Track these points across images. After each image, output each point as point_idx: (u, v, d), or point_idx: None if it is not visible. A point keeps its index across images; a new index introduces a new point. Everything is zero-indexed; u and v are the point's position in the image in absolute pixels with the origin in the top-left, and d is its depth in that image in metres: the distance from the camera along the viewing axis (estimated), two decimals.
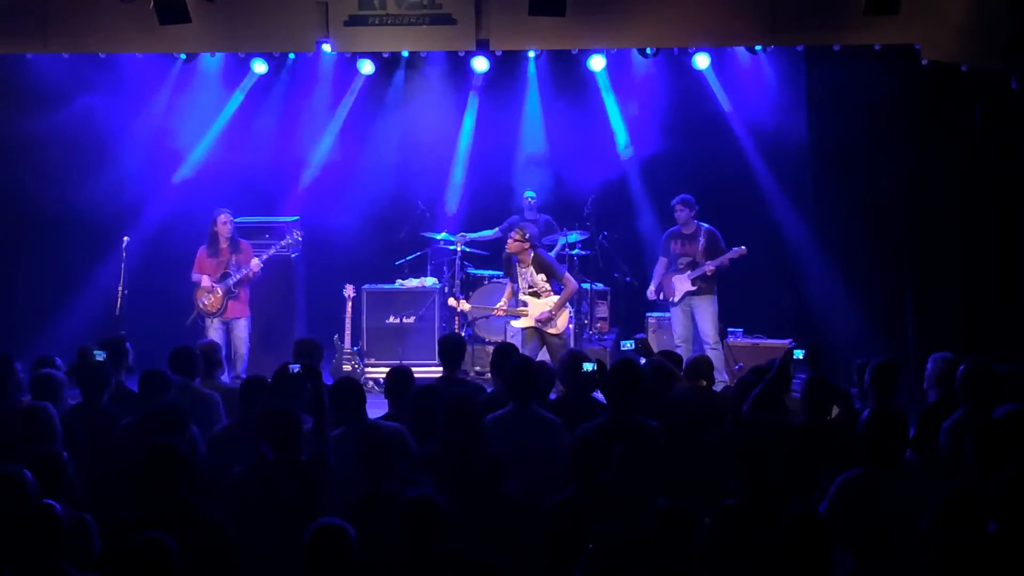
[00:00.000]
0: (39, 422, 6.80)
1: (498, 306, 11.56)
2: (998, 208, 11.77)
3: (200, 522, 5.65)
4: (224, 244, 11.86)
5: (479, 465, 6.21)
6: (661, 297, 11.99)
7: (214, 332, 11.73)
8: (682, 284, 11.77)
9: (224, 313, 11.81)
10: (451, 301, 11.92)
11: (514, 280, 11.25)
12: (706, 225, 11.86)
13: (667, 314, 12.58)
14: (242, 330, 11.88)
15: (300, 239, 12.32)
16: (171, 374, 7.96)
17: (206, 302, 11.80)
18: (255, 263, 11.79)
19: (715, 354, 11.57)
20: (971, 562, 5.17)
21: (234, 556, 5.73)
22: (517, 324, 11.38)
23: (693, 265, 11.77)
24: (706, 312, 11.74)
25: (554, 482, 6.25)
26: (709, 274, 11.71)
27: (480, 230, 13.12)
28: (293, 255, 12.77)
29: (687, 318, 11.84)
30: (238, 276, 11.77)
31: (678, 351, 11.16)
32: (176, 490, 5.74)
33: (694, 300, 11.78)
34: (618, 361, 7.44)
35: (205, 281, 11.77)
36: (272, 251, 12.08)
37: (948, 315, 11.92)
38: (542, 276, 11.07)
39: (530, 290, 11.12)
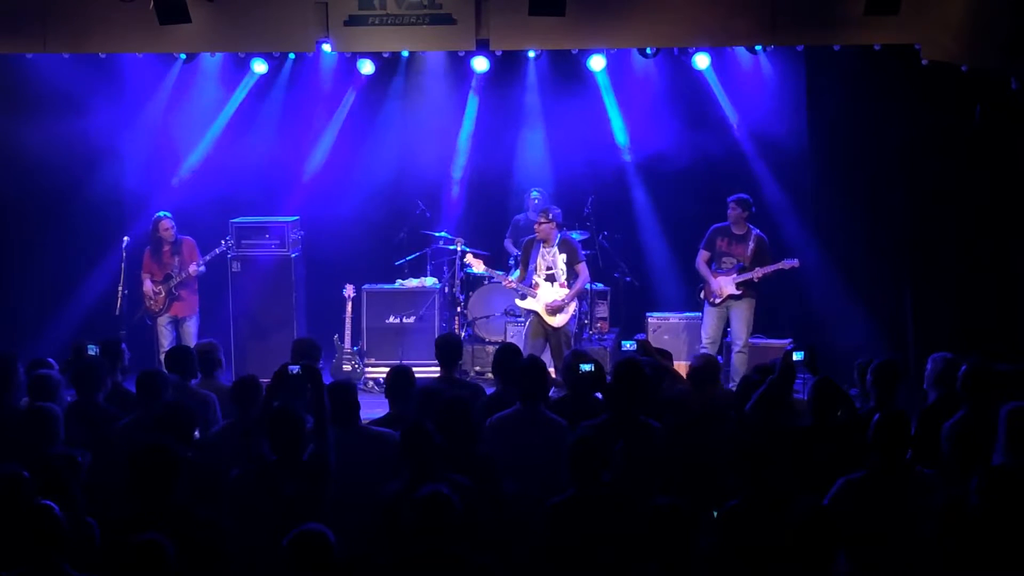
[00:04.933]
0: (45, 423, 6.81)
1: (509, 278, 11.53)
2: (998, 208, 11.76)
3: (192, 522, 5.64)
4: (166, 247, 12.12)
5: (474, 468, 6.18)
6: (701, 296, 11.80)
7: (163, 328, 12.10)
8: (727, 287, 11.56)
9: (168, 311, 12.10)
10: (468, 257, 12.05)
11: (531, 262, 11.23)
12: (757, 230, 11.68)
13: (668, 315, 12.61)
14: (191, 326, 12.14)
15: (230, 247, 12.42)
16: (168, 374, 7.96)
17: (151, 302, 12.06)
18: (193, 268, 12.08)
19: (742, 357, 11.57)
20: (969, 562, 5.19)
21: (226, 556, 5.72)
22: (522, 304, 11.37)
23: (740, 269, 11.57)
24: (743, 316, 11.59)
25: (560, 483, 6.23)
26: (756, 280, 11.57)
27: (480, 241, 13.09)
28: (293, 255, 12.77)
29: (722, 320, 11.66)
30: (177, 279, 12.01)
31: (703, 351, 11.16)
32: (171, 491, 5.73)
33: (734, 303, 11.62)
34: (622, 361, 7.44)
35: (147, 284, 12.09)
36: (213, 255, 12.25)
37: (948, 315, 11.92)
38: (563, 257, 11.09)
39: (548, 271, 11.15)
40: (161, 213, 12.18)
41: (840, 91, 12.19)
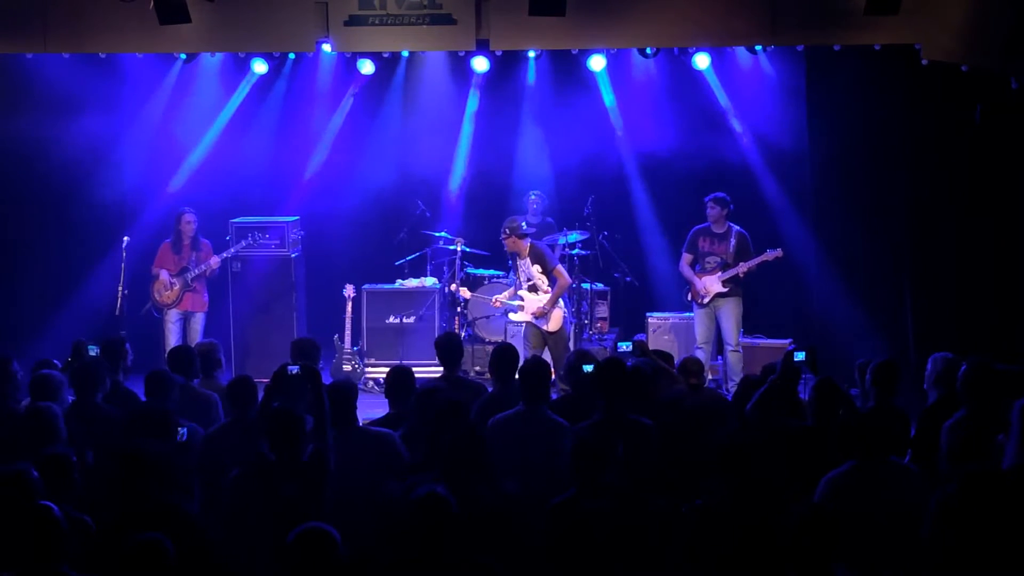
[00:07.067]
0: (44, 423, 6.81)
1: (496, 297, 11.59)
2: (998, 208, 11.77)
3: (178, 521, 5.64)
4: (186, 242, 12.18)
5: (472, 468, 6.17)
6: (689, 298, 11.89)
7: (172, 324, 12.10)
8: (712, 286, 11.63)
9: (180, 304, 12.12)
10: (453, 286, 12.04)
11: (516, 274, 11.30)
12: (737, 227, 11.76)
13: (668, 315, 12.62)
14: (198, 323, 12.17)
15: (256, 241, 12.47)
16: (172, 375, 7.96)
17: (164, 294, 12.12)
18: (214, 260, 12.17)
19: (736, 356, 11.61)
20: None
21: (213, 554, 5.73)
22: (514, 317, 11.42)
23: (723, 266, 11.65)
24: (731, 314, 11.65)
25: (561, 484, 6.23)
26: (742, 276, 11.63)
27: (480, 241, 13.08)
28: (293, 255, 12.78)
29: (711, 320, 11.73)
30: (196, 271, 12.08)
31: (698, 352, 11.18)
32: (150, 492, 5.75)
33: (721, 302, 11.68)
34: (605, 360, 7.44)
35: (163, 275, 12.10)
36: (232, 250, 12.34)
37: (948, 315, 11.92)
38: (537, 267, 11.08)
39: (528, 283, 11.15)
40: (184, 208, 12.24)
41: (840, 91, 12.19)
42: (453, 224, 13.43)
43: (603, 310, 13.09)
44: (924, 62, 10.47)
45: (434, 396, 7.15)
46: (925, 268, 12.16)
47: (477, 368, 12.53)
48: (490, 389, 8.15)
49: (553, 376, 8.20)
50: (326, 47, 11.03)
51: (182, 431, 6.96)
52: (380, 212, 13.60)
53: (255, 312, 12.65)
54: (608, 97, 13.19)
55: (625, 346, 8.57)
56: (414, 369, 8.09)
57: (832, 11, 10.39)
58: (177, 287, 12.09)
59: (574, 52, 11.86)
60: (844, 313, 12.36)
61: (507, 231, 11.05)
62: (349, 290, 12.39)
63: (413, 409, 7.26)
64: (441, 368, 8.43)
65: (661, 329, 12.53)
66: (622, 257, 13.15)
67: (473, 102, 13.50)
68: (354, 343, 12.39)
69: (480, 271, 12.98)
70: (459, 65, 12.81)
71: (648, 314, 12.77)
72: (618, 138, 13.38)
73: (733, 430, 7.16)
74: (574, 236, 12.75)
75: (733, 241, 11.69)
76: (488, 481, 6.15)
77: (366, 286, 12.81)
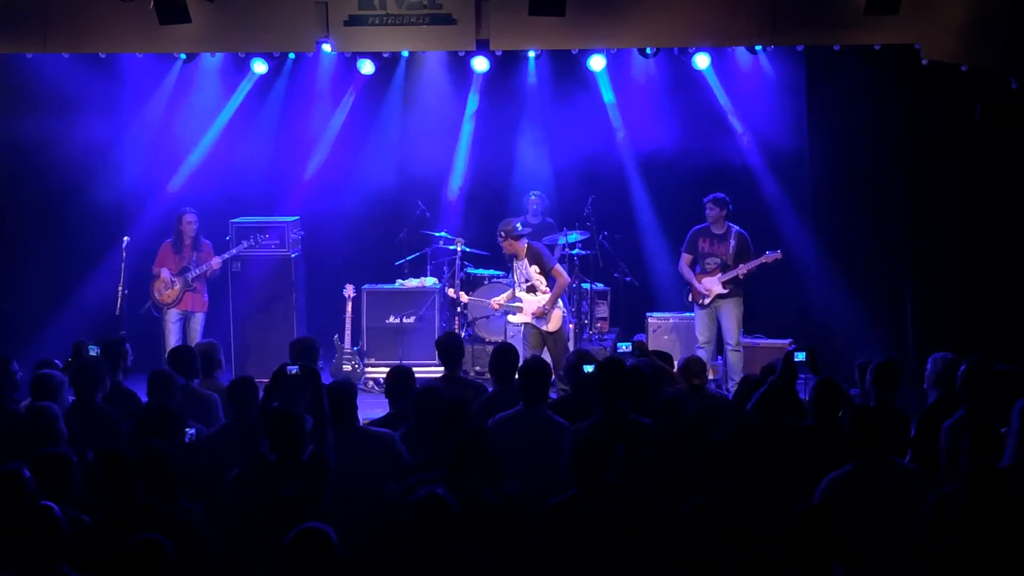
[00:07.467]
0: (43, 423, 6.81)
1: (494, 300, 11.58)
2: (998, 208, 11.77)
3: (171, 522, 5.64)
4: (187, 242, 12.20)
5: (476, 467, 6.18)
6: (689, 299, 11.91)
7: (172, 324, 12.11)
8: (713, 287, 11.65)
9: (180, 304, 12.12)
10: (450, 291, 12.01)
11: (513, 275, 11.31)
12: (737, 227, 11.76)
13: (668, 315, 12.62)
14: (198, 323, 12.18)
15: (258, 243, 12.47)
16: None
17: (164, 293, 12.13)
18: (215, 261, 12.18)
19: (736, 356, 11.63)
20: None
21: (208, 555, 5.73)
22: (513, 319, 11.41)
23: (723, 267, 11.66)
24: (732, 314, 11.66)
25: (561, 484, 6.23)
26: (741, 277, 11.64)
27: (480, 241, 13.06)
28: (293, 255, 12.78)
29: (713, 320, 11.74)
30: (197, 271, 12.09)
31: (699, 352, 11.19)
32: (138, 492, 5.76)
33: (721, 303, 11.68)
34: (605, 360, 7.45)
35: (164, 274, 12.11)
36: (234, 251, 12.35)
37: (948, 315, 11.93)
38: (535, 268, 11.07)
39: (527, 284, 11.14)
40: (185, 208, 12.25)
41: (840, 91, 12.19)
42: (453, 224, 13.44)
43: (603, 310, 13.09)
44: (924, 62, 10.48)
45: (434, 396, 7.15)
46: (925, 268, 12.16)
47: (477, 368, 12.53)
48: (490, 389, 8.16)
49: (553, 376, 8.21)
50: (326, 47, 11.04)
51: (190, 432, 6.96)
52: (380, 212, 13.60)
53: (255, 312, 12.65)
54: (608, 97, 13.19)
55: (625, 346, 8.57)
56: (414, 369, 8.10)
57: (832, 11, 10.41)
58: (178, 286, 12.09)
59: (574, 52, 11.86)
60: (844, 313, 12.36)
61: (502, 234, 11.04)
62: (349, 290, 12.39)
63: (413, 409, 7.26)
64: (441, 368, 8.44)
65: (661, 329, 12.53)
66: (622, 257, 13.15)
67: (473, 102, 13.49)
68: (354, 343, 12.39)
69: (480, 271, 12.97)
70: (459, 65, 12.80)
71: (648, 314, 12.77)
72: (618, 138, 13.38)
73: (733, 430, 7.16)
74: (574, 236, 12.74)
75: (733, 242, 11.70)
76: (492, 481, 6.16)
77: (366, 286, 12.81)
